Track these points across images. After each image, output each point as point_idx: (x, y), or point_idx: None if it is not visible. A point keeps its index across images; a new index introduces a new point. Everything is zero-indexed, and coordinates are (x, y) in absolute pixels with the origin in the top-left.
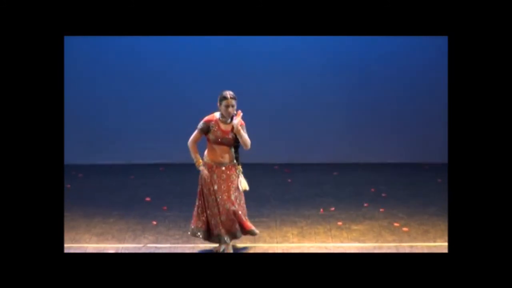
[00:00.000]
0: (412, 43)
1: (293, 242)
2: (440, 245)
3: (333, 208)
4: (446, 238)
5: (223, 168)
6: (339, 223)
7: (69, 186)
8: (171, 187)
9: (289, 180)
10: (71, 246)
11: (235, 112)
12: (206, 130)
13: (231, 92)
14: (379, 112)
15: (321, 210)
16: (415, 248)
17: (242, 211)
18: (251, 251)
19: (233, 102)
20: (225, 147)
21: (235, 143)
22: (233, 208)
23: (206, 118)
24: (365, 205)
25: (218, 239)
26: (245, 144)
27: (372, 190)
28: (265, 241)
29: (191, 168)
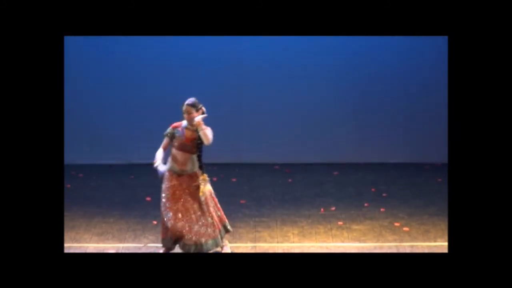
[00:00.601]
0: (411, 43)
1: (293, 242)
2: (441, 245)
3: (333, 208)
4: (446, 238)
5: (185, 176)
6: (340, 223)
7: (69, 186)
8: None
9: (290, 180)
10: (71, 246)
11: (198, 119)
12: (171, 136)
13: (189, 99)
14: (379, 112)
15: (322, 210)
16: (416, 248)
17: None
18: (252, 251)
19: (189, 109)
20: (187, 155)
21: (198, 152)
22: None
23: (174, 124)
24: (366, 205)
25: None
26: (206, 136)
27: (373, 190)
28: (265, 241)
29: None
